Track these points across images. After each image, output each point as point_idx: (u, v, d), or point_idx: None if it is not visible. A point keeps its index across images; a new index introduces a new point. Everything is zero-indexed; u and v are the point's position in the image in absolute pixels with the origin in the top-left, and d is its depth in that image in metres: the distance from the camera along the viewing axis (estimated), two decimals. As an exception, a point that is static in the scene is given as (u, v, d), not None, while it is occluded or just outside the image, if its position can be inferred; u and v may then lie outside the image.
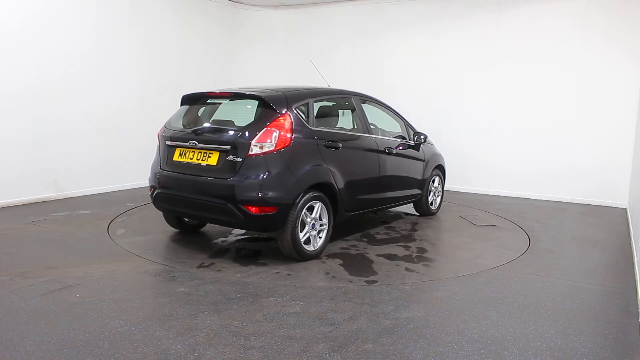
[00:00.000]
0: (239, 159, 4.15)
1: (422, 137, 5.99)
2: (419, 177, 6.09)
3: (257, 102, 4.44)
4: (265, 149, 4.15)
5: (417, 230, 5.72)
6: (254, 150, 4.14)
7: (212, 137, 4.43)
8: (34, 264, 4.10)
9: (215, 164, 4.28)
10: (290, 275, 4.06)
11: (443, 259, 4.69)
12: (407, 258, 4.63)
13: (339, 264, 4.40)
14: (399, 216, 6.46)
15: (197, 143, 4.42)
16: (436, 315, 3.33)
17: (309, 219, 4.41)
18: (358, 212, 5.19)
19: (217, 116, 4.89)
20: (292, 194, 4.19)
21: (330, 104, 5.28)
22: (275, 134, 4.18)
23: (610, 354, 2.86)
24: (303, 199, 4.28)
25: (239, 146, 4.17)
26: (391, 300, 3.56)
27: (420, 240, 5.30)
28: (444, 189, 6.85)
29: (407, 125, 6.05)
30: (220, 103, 4.86)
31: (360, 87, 8.10)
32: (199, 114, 4.90)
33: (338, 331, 3.04)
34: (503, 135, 7.97)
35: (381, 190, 5.44)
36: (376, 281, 3.97)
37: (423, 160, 6.17)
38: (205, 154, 4.37)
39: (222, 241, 5.08)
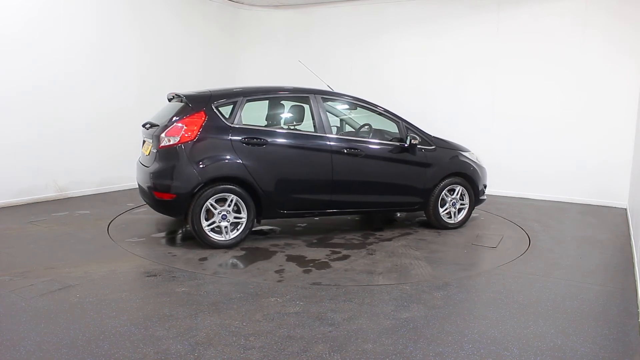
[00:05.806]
0: (155, 151, 4.73)
1: (411, 138, 5.32)
2: (416, 184, 5.46)
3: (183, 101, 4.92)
4: (172, 142, 4.63)
5: (390, 241, 5.13)
6: (164, 142, 4.65)
7: (149, 131, 4.97)
8: (34, 264, 4.10)
9: (148, 154, 4.93)
10: (175, 257, 4.46)
11: (334, 270, 4.21)
12: (306, 263, 4.37)
13: (233, 256, 4.54)
14: (410, 225, 5.88)
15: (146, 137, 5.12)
16: (436, 315, 3.33)
17: (216, 210, 4.65)
18: (302, 212, 5.17)
19: (171, 113, 5.02)
20: (190, 184, 4.57)
21: (274, 103, 5.38)
22: (182, 129, 4.63)
23: (610, 354, 2.86)
24: (208, 191, 4.60)
25: (156, 139, 4.74)
26: (391, 300, 3.56)
27: (366, 250, 4.79)
28: (477, 201, 5.88)
29: (407, 127, 5.46)
30: (177, 102, 5.17)
31: (360, 86, 8.10)
32: (164, 112, 5.19)
33: (338, 331, 3.04)
34: (503, 135, 7.96)
35: (339, 193, 5.13)
36: (225, 273, 4.11)
37: (425, 166, 5.49)
38: (147, 146, 5.00)
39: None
